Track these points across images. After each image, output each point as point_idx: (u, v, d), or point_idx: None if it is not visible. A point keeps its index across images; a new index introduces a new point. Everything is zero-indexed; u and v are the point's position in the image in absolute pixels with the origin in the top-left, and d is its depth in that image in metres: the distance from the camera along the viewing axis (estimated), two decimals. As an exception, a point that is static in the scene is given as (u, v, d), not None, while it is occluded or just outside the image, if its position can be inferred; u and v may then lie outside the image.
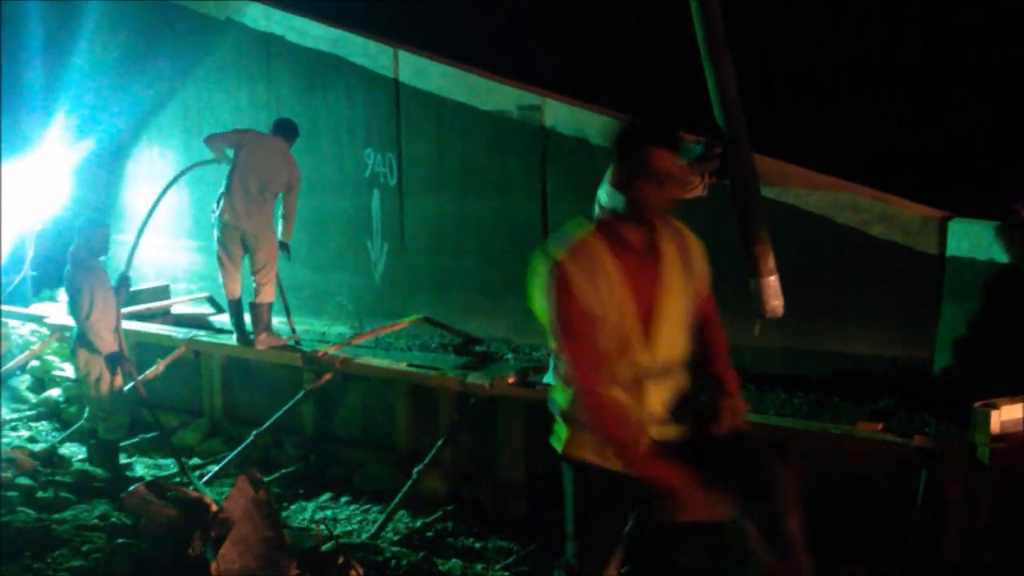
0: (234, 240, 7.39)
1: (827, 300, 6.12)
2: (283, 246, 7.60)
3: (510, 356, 7.35)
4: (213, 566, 4.58)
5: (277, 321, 7.89)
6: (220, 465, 7.10)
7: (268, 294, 7.55)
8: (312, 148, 8.54)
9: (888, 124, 7.33)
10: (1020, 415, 4.84)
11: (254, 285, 7.51)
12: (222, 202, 7.36)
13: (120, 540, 5.30)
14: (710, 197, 6.06)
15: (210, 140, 7.51)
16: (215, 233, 7.46)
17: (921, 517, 4.80)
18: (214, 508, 5.32)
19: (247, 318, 7.63)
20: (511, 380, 6.46)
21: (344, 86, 8.44)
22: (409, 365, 6.98)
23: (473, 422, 6.58)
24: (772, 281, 5.81)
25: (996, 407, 4.75)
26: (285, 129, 7.48)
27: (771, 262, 5.79)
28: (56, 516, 5.86)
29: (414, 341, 7.87)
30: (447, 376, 6.70)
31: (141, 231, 7.72)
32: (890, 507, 4.95)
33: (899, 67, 7.63)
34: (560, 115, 7.31)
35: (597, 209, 6.36)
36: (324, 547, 5.10)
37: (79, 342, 6.96)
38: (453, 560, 5.68)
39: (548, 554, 5.85)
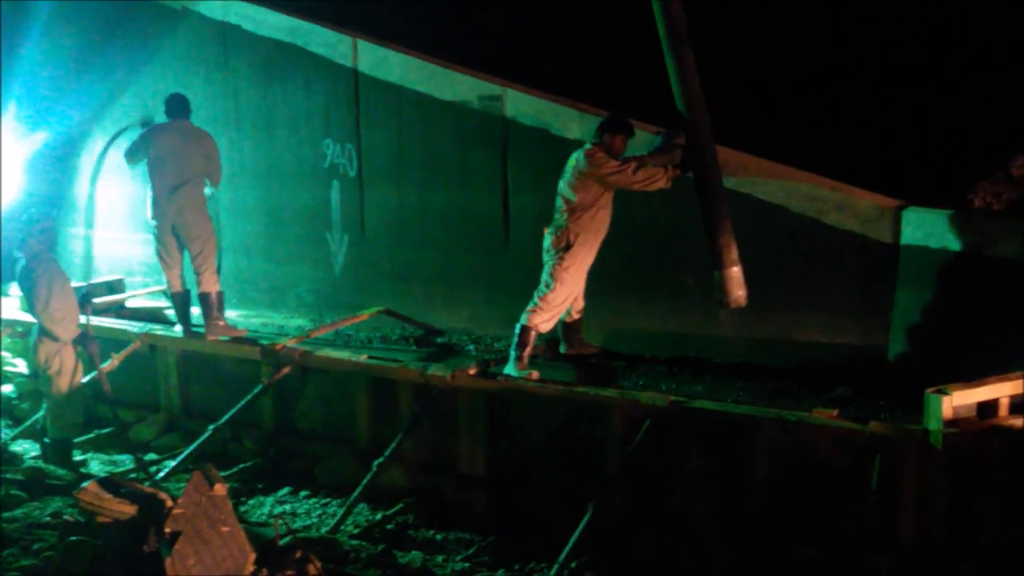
0: (166, 233, 7.44)
1: (784, 288, 6.16)
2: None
3: (472, 347, 7.33)
4: (167, 562, 4.51)
5: (235, 314, 7.79)
6: (177, 460, 7.01)
7: (211, 282, 7.51)
8: (270, 138, 8.43)
9: (844, 116, 7.41)
10: (972, 401, 4.90)
11: (195, 275, 7.46)
12: (148, 203, 7.50)
13: (73, 538, 5.19)
14: (673, 189, 6.09)
15: (128, 158, 7.64)
16: (152, 231, 7.55)
17: (876, 501, 4.85)
18: (169, 504, 5.22)
19: (195, 310, 7.54)
20: (472, 371, 6.44)
21: (302, 76, 8.33)
22: (369, 357, 6.94)
23: (434, 414, 6.54)
24: (736, 272, 5.86)
25: (948, 393, 4.82)
26: (176, 108, 7.49)
27: (734, 253, 5.84)
28: (6, 515, 5.74)
29: (375, 333, 7.81)
30: (408, 368, 6.66)
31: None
32: (846, 492, 4.99)
33: (855, 61, 7.71)
34: (521, 105, 7.29)
35: (559, 201, 6.40)
36: (282, 541, 5.04)
37: (40, 335, 6.86)
38: (413, 552, 5.66)
39: (509, 544, 5.85)
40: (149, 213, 7.51)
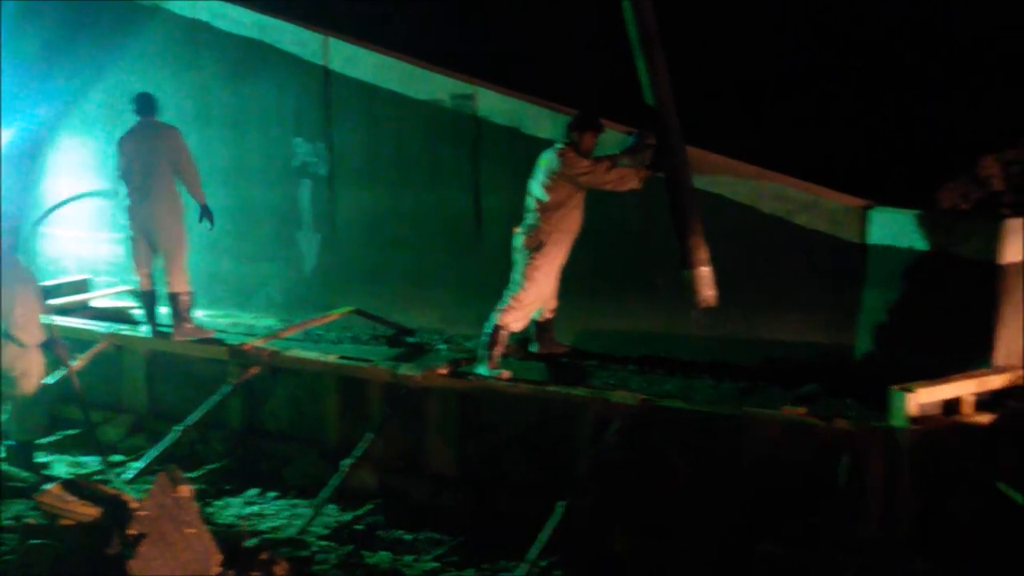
0: (138, 233, 7.39)
1: (753, 288, 6.19)
2: (204, 211, 7.50)
3: (443, 347, 7.30)
4: (131, 564, 4.46)
5: (203, 314, 7.72)
6: (144, 462, 6.93)
7: (181, 283, 7.45)
8: (239, 137, 8.36)
9: (813, 117, 7.44)
10: (937, 398, 4.95)
11: (165, 275, 7.40)
12: (122, 209, 7.48)
13: (34, 541, 5.11)
14: (645, 189, 6.10)
15: (117, 175, 7.56)
16: (124, 229, 7.54)
17: (843, 498, 4.88)
18: (134, 506, 5.16)
19: (164, 310, 7.48)
20: (443, 371, 6.42)
21: (273, 74, 8.27)
22: (339, 357, 6.89)
23: (404, 414, 6.51)
24: (705, 272, 5.88)
25: (913, 390, 4.85)
26: (142, 107, 7.46)
27: (704, 253, 5.87)
28: (-34, 518, 5.64)
29: (345, 333, 7.76)
30: (378, 368, 6.63)
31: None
32: (814, 489, 5.01)
33: (823, 64, 7.76)
34: (493, 104, 7.28)
35: (530, 201, 6.39)
36: (249, 543, 5.01)
37: (4, 339, 6.75)
38: (382, 552, 5.63)
39: (480, 544, 5.82)
40: (121, 212, 7.47)
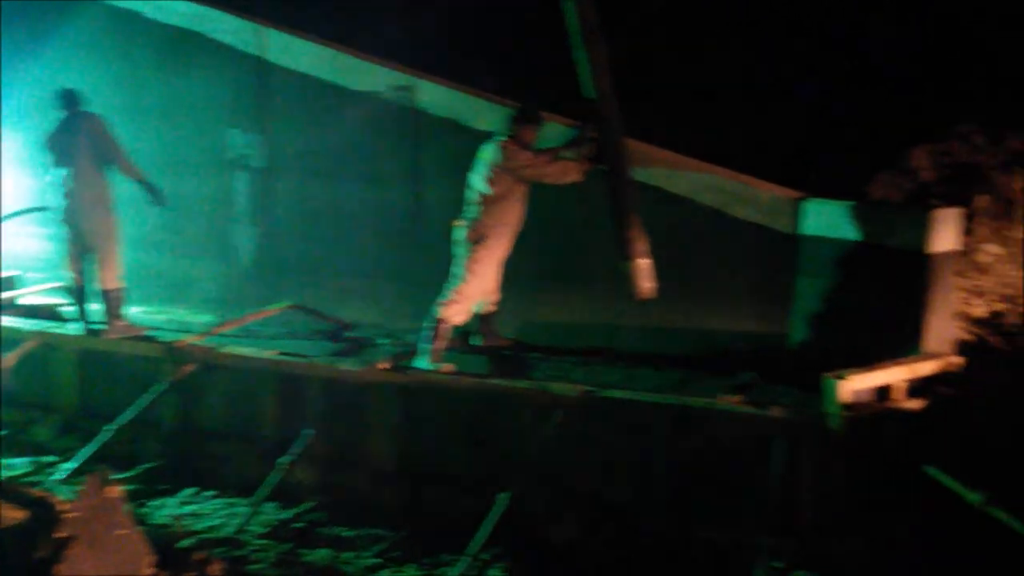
0: (67, 228, 7.22)
1: (693, 278, 6.25)
2: (148, 188, 7.27)
3: (384, 341, 7.23)
4: (57, 568, 4.34)
5: (136, 311, 7.54)
6: (76, 462, 6.74)
7: (112, 279, 7.27)
8: (173, 128, 8.20)
9: (748, 110, 7.55)
10: (868, 385, 5.05)
11: (96, 271, 7.24)
12: (51, 204, 7.30)
13: (-44, 546, 4.94)
14: (585, 183, 6.11)
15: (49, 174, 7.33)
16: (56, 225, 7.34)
17: (778, 484, 4.95)
18: (62, 508, 5.03)
19: (96, 307, 7.32)
20: (384, 365, 6.36)
21: (207, 64, 8.12)
22: (277, 353, 6.78)
23: (345, 410, 6.43)
24: (644, 264, 5.93)
25: (845, 378, 4.94)
26: (68, 102, 7.26)
27: (643, 245, 5.92)
28: None
29: (283, 329, 7.65)
30: (317, 363, 6.54)
31: None
32: (750, 476, 5.08)
33: (760, 58, 7.87)
34: (433, 96, 7.23)
35: (471, 194, 6.36)
36: (183, 543, 4.91)
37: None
38: (321, 550, 5.56)
39: (421, 539, 5.79)
40: (51, 207, 7.30)
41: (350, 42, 7.70)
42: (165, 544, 4.95)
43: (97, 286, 7.31)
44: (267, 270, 8.10)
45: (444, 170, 7.19)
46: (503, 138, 6.27)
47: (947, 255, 5.46)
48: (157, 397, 6.91)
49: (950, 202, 6.37)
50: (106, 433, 6.80)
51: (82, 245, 7.25)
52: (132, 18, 8.44)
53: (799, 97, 7.41)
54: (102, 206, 7.22)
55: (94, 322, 7.42)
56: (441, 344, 6.32)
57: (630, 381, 5.96)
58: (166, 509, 6.37)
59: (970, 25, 7.55)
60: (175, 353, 6.94)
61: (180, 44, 8.23)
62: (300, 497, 6.35)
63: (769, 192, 6.04)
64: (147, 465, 6.92)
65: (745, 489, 5.15)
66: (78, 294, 7.37)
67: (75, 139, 7.13)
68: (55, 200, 7.22)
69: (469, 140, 6.80)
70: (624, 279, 5.99)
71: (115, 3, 8.48)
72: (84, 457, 6.74)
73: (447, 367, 6.24)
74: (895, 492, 4.81)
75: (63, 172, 7.13)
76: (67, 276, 7.39)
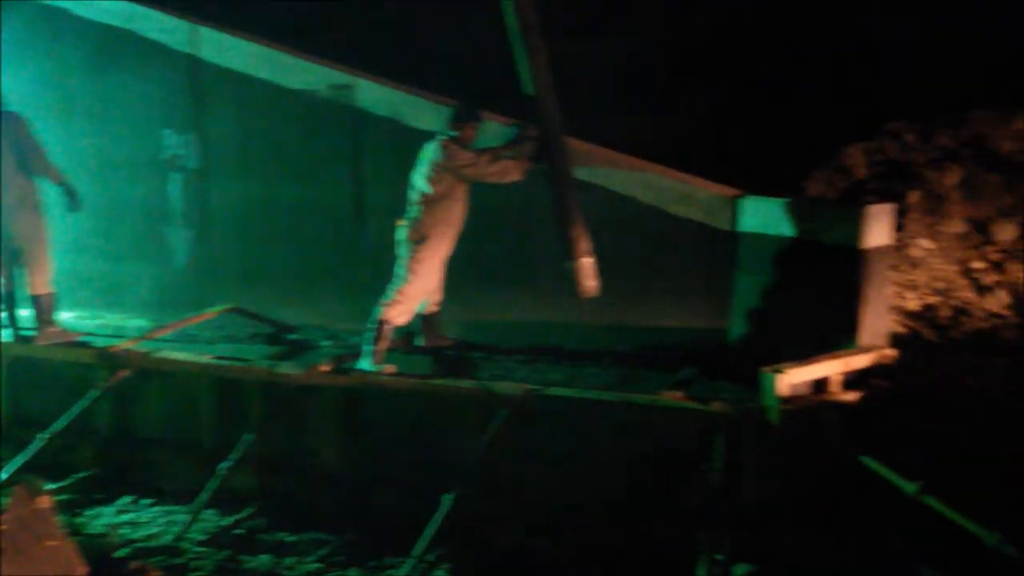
0: None
1: (634, 276, 6.29)
2: (67, 191, 7.06)
3: (326, 344, 7.15)
4: (-15, 582, 4.19)
5: (69, 316, 7.34)
6: (6, 472, 6.53)
7: (42, 283, 7.07)
8: (104, 129, 8.00)
9: (687, 109, 7.63)
10: (805, 378, 5.13)
11: (25, 276, 7.03)
12: None
13: None
14: (526, 182, 6.11)
15: None
16: None
17: (720, 478, 5.00)
18: (-9, 519, 4.86)
19: (26, 313, 7.12)
20: (325, 368, 6.28)
21: (140, 63, 7.93)
22: (214, 358, 6.67)
23: (286, 413, 6.34)
24: (587, 263, 5.95)
25: (783, 372, 5.01)
26: None
27: (586, 244, 5.94)
28: None
29: (221, 332, 7.51)
30: (256, 367, 6.44)
31: None
32: (692, 470, 5.12)
33: (699, 58, 7.96)
34: (372, 95, 7.16)
35: (413, 194, 6.31)
36: (119, 553, 4.79)
37: None
38: (262, 556, 5.48)
39: (365, 543, 5.74)
40: None
41: (287, 40, 7.60)
42: (100, 554, 4.85)
43: (26, 291, 7.09)
44: (204, 273, 7.94)
45: (385, 170, 7.13)
46: (444, 137, 6.23)
47: (881, 250, 5.57)
48: (91, 404, 6.74)
49: (883, 198, 6.51)
50: (39, 442, 6.60)
51: (9, 249, 7.02)
52: (61, 15, 8.21)
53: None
54: (29, 208, 6.99)
55: (24, 328, 7.21)
56: (384, 345, 6.27)
57: (574, 379, 5.97)
58: (102, 518, 6.22)
59: (899, 24, 7.74)
60: (109, 359, 6.78)
61: (111, 42, 8.02)
62: (240, 503, 6.25)
63: (707, 190, 6.11)
64: (82, 474, 6.77)
65: (687, 484, 5.20)
66: (7, 300, 7.14)
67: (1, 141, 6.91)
68: None
69: (412, 139, 6.74)
70: (567, 278, 6.01)
71: (43, 1, 8.25)
72: (15, 467, 6.54)
73: (390, 368, 6.19)
74: (833, 483, 4.89)
75: None
76: None
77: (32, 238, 7.00)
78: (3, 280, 7.12)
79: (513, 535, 5.61)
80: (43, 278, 7.07)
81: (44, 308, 7.08)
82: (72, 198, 7.12)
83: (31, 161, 6.96)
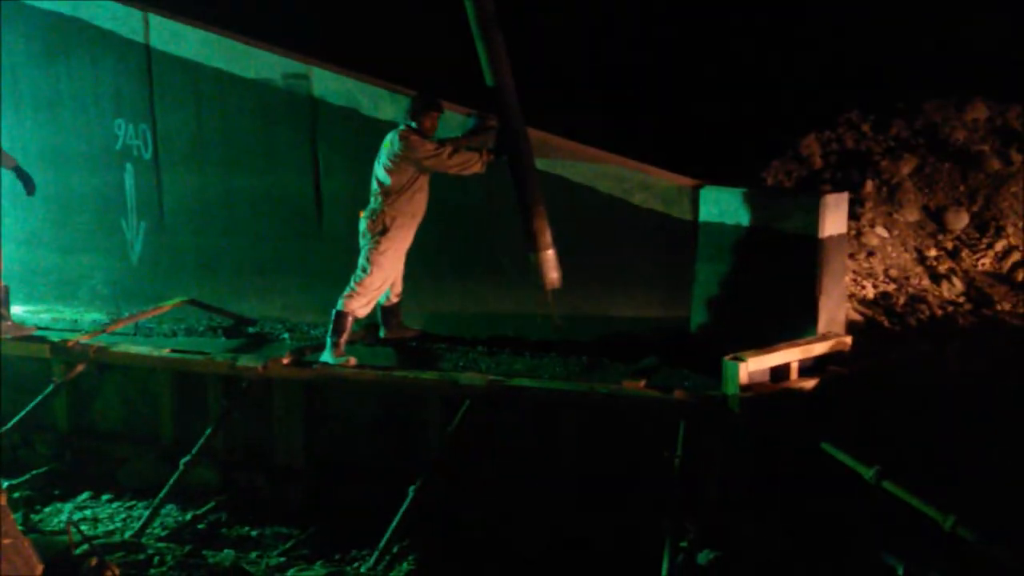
0: None
1: (595, 266, 6.30)
2: (19, 174, 6.97)
3: (286, 336, 7.08)
4: (-61, 583, 4.10)
5: (21, 310, 7.19)
6: (-42, 472, 6.42)
7: None
8: (54, 119, 7.82)
9: (647, 100, 7.67)
10: (766, 366, 5.20)
11: None
12: None
13: None
14: (487, 173, 6.09)
15: None
16: None
17: (681, 465, 5.05)
18: (-57, 520, 4.75)
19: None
20: (286, 360, 6.24)
21: (89, 52, 7.74)
22: (172, 351, 6.58)
23: (246, 407, 6.29)
24: (550, 255, 5.96)
25: (743, 360, 5.08)
26: None
27: (548, 236, 5.94)
28: None
29: (179, 325, 7.40)
30: (215, 360, 6.38)
31: None
32: (656, 458, 5.17)
33: (660, 50, 8.01)
34: (329, 85, 7.07)
35: (375, 185, 6.26)
36: (78, 550, 4.70)
37: None
38: (226, 551, 5.45)
39: (329, 536, 5.71)
40: None
41: (241, 29, 7.47)
42: (57, 552, 4.74)
43: None
44: (159, 265, 7.81)
45: (344, 160, 7.06)
46: (404, 127, 6.19)
47: (837, 239, 5.65)
48: (46, 399, 6.63)
49: (839, 187, 6.61)
50: (-8, 439, 6.49)
51: None
52: (5, 3, 7.99)
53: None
54: None
55: None
56: (345, 337, 6.23)
57: (537, 369, 5.98)
58: (62, 515, 6.14)
59: (853, 16, 7.84)
60: (65, 353, 6.67)
61: (60, 31, 7.82)
62: (202, 497, 6.21)
63: (667, 180, 6.13)
64: (38, 470, 6.67)
65: (651, 472, 5.24)
66: None
67: None
68: None
69: (370, 129, 6.69)
70: (531, 270, 6.01)
71: (-13, -13, 8.04)
72: (-33, 465, 6.42)
73: (351, 360, 6.16)
74: (794, 469, 4.97)
75: None
76: None
77: None
78: None
79: (479, 524, 5.63)
80: None
81: None
82: (26, 182, 7.00)
83: None
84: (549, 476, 5.62)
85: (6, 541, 4.27)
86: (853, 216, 6.41)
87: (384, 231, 6.20)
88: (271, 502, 6.11)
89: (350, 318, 6.23)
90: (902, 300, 6.11)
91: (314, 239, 7.28)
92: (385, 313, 6.63)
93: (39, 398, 6.60)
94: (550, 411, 5.63)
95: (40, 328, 7.25)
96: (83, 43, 7.76)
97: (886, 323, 5.91)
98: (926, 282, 6.34)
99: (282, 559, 5.44)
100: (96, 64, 7.75)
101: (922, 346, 5.64)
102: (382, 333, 6.68)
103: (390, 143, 6.18)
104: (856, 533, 4.76)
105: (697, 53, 7.90)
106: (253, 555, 5.47)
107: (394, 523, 5.40)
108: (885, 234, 6.64)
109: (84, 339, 6.79)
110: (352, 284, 6.26)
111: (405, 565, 5.35)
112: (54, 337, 6.90)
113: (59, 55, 7.89)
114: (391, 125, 6.42)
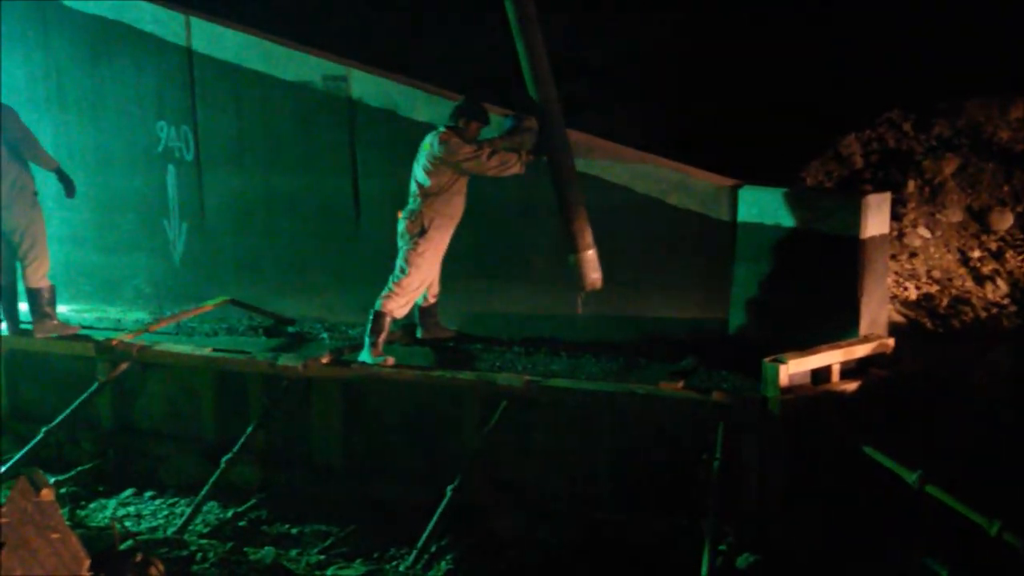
0: None
1: (632, 267, 6.28)
2: (60, 177, 7.09)
3: (325, 336, 7.14)
4: (-10, 577, 4.19)
5: (66, 309, 7.31)
6: (6, 467, 6.54)
7: (40, 276, 7.06)
8: (98, 121, 7.94)
9: (685, 99, 7.63)
10: (806, 368, 5.14)
11: (22, 269, 7.02)
12: None
13: None
14: (524, 172, 6.10)
15: None
16: None
17: (720, 468, 5.02)
18: (-7, 514, 4.86)
19: (24, 307, 7.10)
20: (325, 360, 6.29)
21: (132, 55, 7.86)
22: (214, 350, 6.66)
23: (286, 406, 6.35)
24: (591, 255, 5.95)
25: (784, 362, 5.03)
26: None
27: (589, 237, 5.92)
28: None
29: (220, 325, 7.49)
30: (256, 359, 6.44)
31: None
32: (693, 461, 5.15)
33: (697, 48, 7.96)
34: (367, 87, 7.12)
35: (413, 186, 6.29)
36: (122, 545, 4.79)
37: None
38: (266, 548, 5.49)
39: (368, 534, 5.75)
40: None
41: (280, 31, 7.55)
42: (103, 547, 4.82)
43: (24, 285, 7.06)
44: (201, 265, 7.91)
45: (382, 161, 7.10)
46: (444, 129, 6.21)
47: (879, 239, 5.59)
48: (91, 397, 6.74)
49: (881, 187, 6.54)
50: (39, 435, 6.61)
51: (6, 242, 6.99)
52: (51, 8, 8.14)
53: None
54: (25, 200, 6.96)
55: (23, 322, 7.19)
56: (383, 337, 6.26)
57: (574, 370, 5.98)
58: (106, 511, 6.24)
59: (893, 14, 7.74)
60: (109, 352, 6.77)
61: (103, 34, 7.95)
62: (242, 495, 6.27)
63: (705, 180, 6.10)
64: (83, 467, 6.78)
65: (689, 474, 5.22)
66: (7, 292, 7.11)
67: None
68: None
69: (408, 130, 6.72)
70: (571, 270, 6.00)
71: (33, -8, 8.19)
72: (15, 460, 6.54)
73: (389, 360, 6.19)
74: (835, 473, 4.92)
75: None
76: None
77: (29, 230, 6.98)
78: (2, 273, 7.09)
79: (516, 526, 5.63)
80: (41, 271, 7.05)
81: (42, 301, 7.06)
82: (67, 184, 7.11)
83: (23, 148, 6.93)
84: (586, 477, 5.62)
85: (54, 536, 4.35)
86: (895, 217, 6.33)
87: (422, 232, 6.23)
88: (310, 500, 6.16)
89: (388, 318, 6.27)
90: (945, 302, 6.03)
91: (352, 239, 7.34)
92: (422, 314, 6.66)
93: (84, 396, 6.69)
94: (587, 412, 5.62)
95: (85, 327, 7.38)
96: (126, 46, 7.88)
97: (929, 325, 5.84)
98: (970, 283, 6.25)
99: (321, 557, 5.49)
100: (139, 67, 7.87)
101: (966, 348, 5.56)
102: (419, 333, 6.71)
103: (429, 145, 6.20)
104: (898, 538, 4.70)
105: (736, 51, 7.84)
106: (293, 553, 5.52)
107: (432, 522, 5.42)
108: (928, 235, 6.56)
109: (127, 338, 6.89)
110: (390, 284, 6.29)
111: (443, 564, 5.37)
112: (98, 336, 7.02)
113: (103, 58, 8.01)
114: (429, 127, 6.45)
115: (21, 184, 6.94)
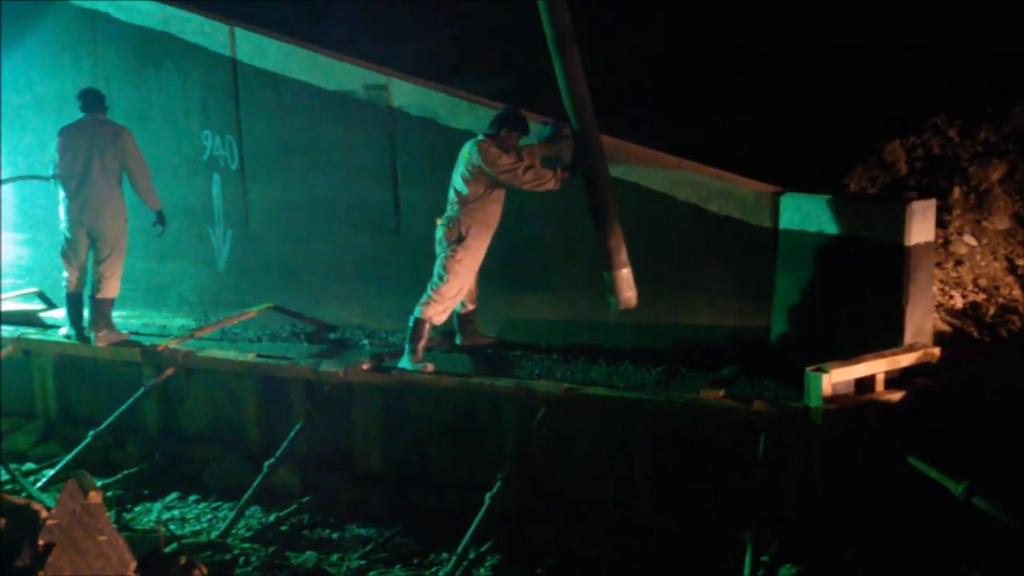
0: (78, 234, 7.20)
1: (670, 274, 6.25)
2: (159, 217, 7.39)
3: (365, 342, 7.20)
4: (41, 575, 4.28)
5: (114, 315, 7.45)
6: (56, 469, 6.70)
7: (111, 288, 7.26)
8: (145, 131, 8.07)
9: (725, 105, 7.58)
10: (850, 378, 5.08)
11: (96, 278, 7.19)
12: (61, 205, 7.26)
13: (-63, 558, 4.86)
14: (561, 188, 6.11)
15: (54, 169, 7.34)
16: (61, 226, 7.31)
17: (761, 477, 4.98)
18: (44, 515, 4.96)
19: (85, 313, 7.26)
20: (366, 366, 6.34)
21: (177, 65, 8.01)
22: (257, 356, 6.75)
23: (327, 411, 6.42)
24: (625, 273, 5.90)
25: (827, 371, 4.97)
26: (88, 103, 7.26)
27: (624, 255, 5.87)
28: None
29: (263, 331, 7.59)
30: (298, 365, 6.51)
31: None
32: (734, 470, 5.11)
33: (736, 55, 7.91)
34: (408, 95, 7.17)
35: (452, 193, 6.33)
36: (168, 548, 4.86)
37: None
38: (308, 552, 5.55)
39: (408, 539, 5.79)
40: (60, 210, 7.24)
41: (321, 42, 7.64)
42: (148, 549, 4.90)
43: (92, 293, 7.22)
44: (245, 272, 8.02)
45: (423, 169, 7.15)
46: (483, 137, 6.23)
47: (924, 247, 5.50)
48: (137, 402, 6.86)
49: (925, 194, 6.43)
50: (87, 439, 6.75)
51: (93, 251, 7.15)
52: (99, 19, 8.31)
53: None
54: (119, 217, 7.22)
55: (85, 327, 7.33)
56: (423, 344, 6.30)
57: (613, 378, 5.96)
58: (151, 514, 6.34)
59: (938, 19, 7.63)
60: (155, 357, 6.90)
61: (150, 45, 8.10)
62: (284, 499, 6.34)
63: (746, 187, 6.05)
64: (129, 470, 6.90)
65: (730, 483, 5.18)
66: (74, 300, 7.29)
67: (101, 146, 7.07)
68: (68, 202, 7.14)
69: (448, 139, 6.76)
70: (606, 289, 5.96)
71: (81, 3, 8.36)
72: (64, 463, 6.68)
73: (429, 367, 6.23)
74: (879, 483, 4.85)
75: (83, 176, 7.06)
76: (67, 279, 7.29)
77: (117, 243, 7.17)
78: (73, 281, 7.27)
79: (554, 533, 5.63)
80: (116, 283, 7.26)
81: (107, 311, 7.24)
82: (162, 222, 7.37)
83: (137, 180, 7.21)
84: (625, 484, 5.60)
85: (101, 538, 4.44)
86: (940, 224, 6.23)
87: (460, 240, 6.25)
88: (351, 505, 6.21)
89: (427, 325, 6.30)
90: (992, 310, 5.92)
91: (392, 246, 7.40)
92: (461, 320, 6.69)
93: (130, 400, 6.83)
94: (626, 420, 5.60)
95: (132, 333, 7.53)
96: (172, 57, 8.02)
97: (975, 334, 5.74)
98: (1017, 292, 6.13)
99: (362, 562, 5.53)
100: (184, 77, 8.01)
101: (1013, 358, 5.46)
102: (458, 340, 6.73)
103: (468, 153, 6.22)
104: (944, 549, 4.63)
105: (778, 56, 7.77)
106: (334, 557, 5.57)
107: (471, 528, 5.44)
108: (974, 242, 6.45)
109: (173, 344, 7.02)
110: (429, 291, 6.33)
111: (482, 571, 5.38)
112: (145, 342, 7.15)
113: (149, 68, 8.17)
114: (468, 135, 6.48)
115: (119, 201, 7.20)
